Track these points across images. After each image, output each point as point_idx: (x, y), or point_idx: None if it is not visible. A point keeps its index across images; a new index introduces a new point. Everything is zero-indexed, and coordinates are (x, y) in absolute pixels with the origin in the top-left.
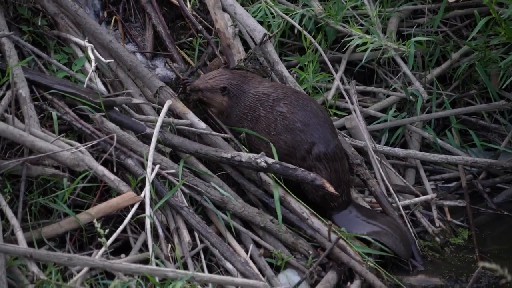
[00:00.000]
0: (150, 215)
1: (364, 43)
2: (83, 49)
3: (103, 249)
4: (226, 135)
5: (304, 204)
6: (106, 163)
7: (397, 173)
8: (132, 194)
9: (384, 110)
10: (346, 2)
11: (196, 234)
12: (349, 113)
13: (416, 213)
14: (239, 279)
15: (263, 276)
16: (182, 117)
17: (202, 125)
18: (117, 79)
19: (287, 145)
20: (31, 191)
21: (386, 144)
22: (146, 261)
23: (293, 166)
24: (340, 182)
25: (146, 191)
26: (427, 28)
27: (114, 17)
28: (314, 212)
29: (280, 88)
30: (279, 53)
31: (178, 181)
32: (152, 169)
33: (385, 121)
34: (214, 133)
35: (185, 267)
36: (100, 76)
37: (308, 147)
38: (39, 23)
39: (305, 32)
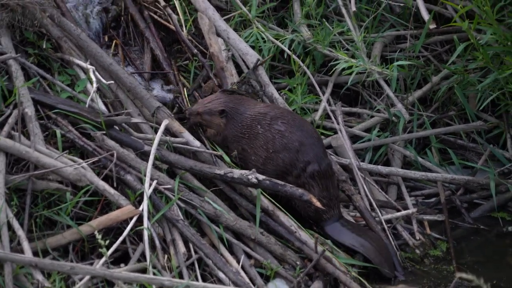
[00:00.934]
0: (148, 227)
1: (350, 67)
2: (85, 71)
3: (103, 259)
4: (217, 152)
5: (292, 218)
6: (106, 179)
7: (380, 189)
8: (131, 207)
9: (368, 130)
10: (333, 28)
11: (191, 245)
12: (335, 132)
13: (397, 226)
14: None
15: (254, 285)
16: (178, 136)
17: (197, 143)
18: (117, 99)
19: (285, 163)
20: (36, 204)
21: (370, 162)
22: (144, 271)
23: (282, 183)
24: (331, 197)
25: (144, 205)
26: (409, 53)
27: (114, 41)
28: (301, 226)
29: (276, 108)
30: (269, 76)
31: (174, 195)
32: (150, 184)
33: (369, 140)
34: (208, 151)
35: (181, 276)
36: (101, 96)
37: (304, 165)
38: (44, 46)
39: (294, 56)
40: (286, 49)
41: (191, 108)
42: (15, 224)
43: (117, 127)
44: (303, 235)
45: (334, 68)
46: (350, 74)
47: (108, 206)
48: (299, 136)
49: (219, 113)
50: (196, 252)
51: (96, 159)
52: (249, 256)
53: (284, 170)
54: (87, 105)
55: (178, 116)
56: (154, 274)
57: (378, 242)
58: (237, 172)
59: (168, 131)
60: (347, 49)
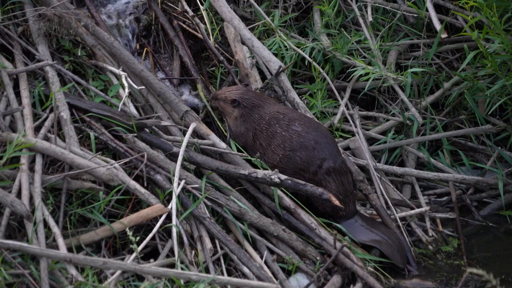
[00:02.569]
0: (176, 224)
1: (367, 73)
2: (118, 77)
3: (134, 255)
4: (242, 154)
5: (313, 215)
6: (137, 178)
7: (395, 189)
8: (160, 206)
9: (384, 133)
10: (351, 37)
11: (217, 241)
12: (353, 135)
13: (411, 224)
14: (255, 282)
15: (276, 279)
16: (205, 138)
17: (223, 145)
18: (147, 103)
19: (302, 161)
20: (71, 203)
21: (386, 162)
22: (172, 266)
23: (303, 182)
24: (347, 193)
25: (173, 203)
26: (422, 60)
27: (145, 49)
28: (322, 223)
29: (293, 110)
30: (291, 82)
31: (201, 194)
32: (178, 184)
33: (385, 142)
34: (233, 152)
35: (207, 271)
36: (132, 101)
37: (320, 162)
38: (79, 54)
39: (314, 63)
40: (307, 56)
41: (214, 92)
42: (51, 222)
43: (147, 130)
44: (323, 231)
45: (352, 75)
46: (367, 80)
47: (138, 204)
48: (315, 135)
49: (231, 102)
50: (221, 248)
51: (127, 160)
52: (271, 252)
53: (302, 167)
54: (119, 109)
55: (205, 120)
56: (182, 269)
57: (391, 236)
58: (260, 172)
59: (195, 134)
60: (364, 57)
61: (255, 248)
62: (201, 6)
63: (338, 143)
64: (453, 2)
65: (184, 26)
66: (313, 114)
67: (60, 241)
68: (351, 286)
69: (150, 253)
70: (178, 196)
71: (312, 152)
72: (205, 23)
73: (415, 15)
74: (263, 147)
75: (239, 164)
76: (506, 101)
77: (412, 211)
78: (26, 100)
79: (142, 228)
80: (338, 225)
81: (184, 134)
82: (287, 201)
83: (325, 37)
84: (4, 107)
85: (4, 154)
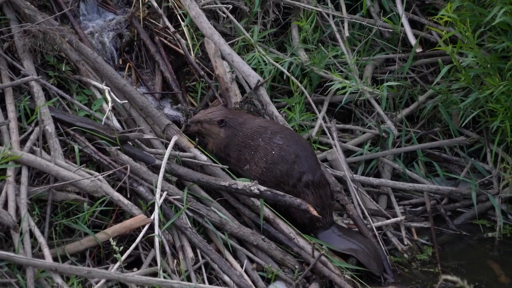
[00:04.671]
0: (159, 234)
1: (344, 87)
2: (101, 92)
3: (118, 264)
4: (223, 166)
5: (291, 225)
6: (120, 190)
7: (371, 199)
8: (143, 216)
9: (361, 145)
10: (328, 52)
11: (198, 251)
12: (330, 147)
13: (387, 233)
14: None
15: (256, 287)
16: (187, 151)
17: (204, 157)
18: (130, 117)
19: (282, 173)
20: (56, 214)
21: (362, 174)
22: (155, 274)
23: (282, 193)
24: (324, 205)
25: (155, 214)
26: (397, 74)
27: (128, 64)
28: (300, 233)
29: (275, 123)
30: (270, 96)
31: (183, 205)
32: (161, 195)
33: (361, 154)
34: (214, 164)
35: (189, 279)
36: (116, 115)
37: (299, 176)
38: (63, 69)
39: (292, 78)
40: (285, 71)
41: (194, 117)
42: (37, 232)
43: (130, 143)
44: (301, 241)
45: (329, 89)
46: (344, 94)
47: (122, 215)
48: (295, 149)
49: (218, 122)
50: (203, 257)
51: (111, 172)
52: (251, 261)
53: (281, 180)
54: (103, 123)
55: (186, 133)
56: (164, 277)
57: (367, 245)
58: (240, 184)
59: (177, 146)
60: (341, 71)
61: (236, 257)
62: (182, 22)
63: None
64: (427, 17)
65: (166, 42)
66: (292, 127)
67: (46, 251)
68: None
69: (134, 262)
70: (161, 207)
71: (292, 165)
72: (186, 39)
73: (390, 30)
74: (248, 161)
75: (219, 176)
76: (479, 114)
77: (388, 221)
78: (12, 114)
79: (126, 238)
80: (314, 237)
81: (166, 147)
82: (267, 211)
83: (303, 52)
84: None
85: None
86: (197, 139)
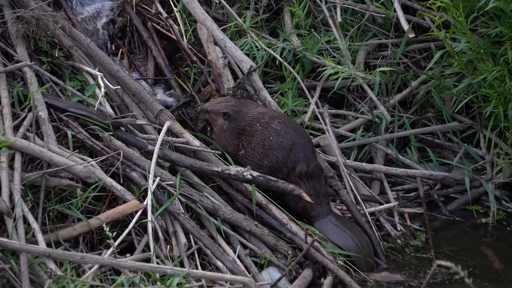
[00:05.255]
0: (152, 220)
1: (336, 73)
2: (94, 77)
3: (111, 249)
4: (216, 152)
5: (284, 211)
6: (113, 176)
7: (364, 185)
8: (136, 202)
9: (353, 130)
10: (320, 37)
11: (191, 236)
12: (323, 133)
13: (380, 218)
14: (228, 276)
15: (249, 272)
16: (179, 136)
17: (197, 143)
18: (123, 103)
19: (277, 161)
20: (49, 199)
21: (355, 159)
22: (148, 260)
23: (275, 179)
24: (319, 194)
25: (148, 200)
26: (390, 60)
27: (120, 50)
28: (293, 218)
29: (274, 110)
30: (262, 81)
31: (175, 191)
32: (153, 181)
33: (354, 139)
34: (206, 149)
35: (182, 265)
36: (108, 100)
37: (293, 165)
38: (56, 55)
39: (285, 63)
40: (278, 56)
41: (203, 105)
42: (30, 218)
43: (123, 129)
44: (294, 226)
45: (322, 74)
46: (337, 79)
47: (115, 201)
48: (293, 136)
49: (222, 114)
50: (196, 243)
51: (104, 157)
52: (244, 246)
53: (277, 167)
54: (95, 108)
55: (178, 118)
56: (157, 263)
57: (361, 239)
58: (233, 169)
59: (170, 132)
60: (334, 57)
61: (228, 242)
62: (174, 8)
63: None
64: (420, 2)
65: (158, 27)
66: (284, 112)
67: (39, 237)
68: (322, 279)
69: (127, 248)
70: (153, 193)
71: (288, 153)
72: (178, 25)
73: (383, 15)
74: (244, 146)
75: (212, 162)
76: (472, 99)
77: (381, 206)
78: (5, 100)
79: (119, 224)
80: (311, 225)
81: (159, 133)
82: (259, 197)
83: (295, 38)
84: None
85: None
86: (208, 128)
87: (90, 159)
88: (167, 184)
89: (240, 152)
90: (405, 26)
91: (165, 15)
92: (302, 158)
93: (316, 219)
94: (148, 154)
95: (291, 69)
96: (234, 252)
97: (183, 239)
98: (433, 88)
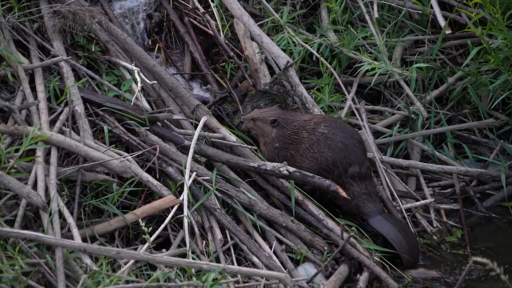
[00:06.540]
0: (188, 215)
1: (373, 69)
2: (131, 72)
3: (147, 245)
4: (252, 146)
5: (321, 207)
6: (150, 171)
7: (400, 181)
8: (172, 197)
9: (390, 126)
10: (357, 33)
11: (227, 232)
12: (360, 128)
13: (416, 215)
14: (264, 271)
15: (285, 268)
16: (216, 131)
17: (233, 138)
18: (159, 98)
19: (328, 162)
20: (85, 194)
21: (391, 155)
22: (184, 255)
23: (311, 174)
24: (371, 194)
25: (184, 195)
26: (427, 56)
27: (157, 45)
28: (330, 214)
29: (319, 115)
30: (299, 77)
31: (212, 186)
32: (190, 176)
33: (390, 135)
34: (243, 145)
35: (218, 260)
36: (145, 95)
37: (345, 167)
38: (93, 49)
39: (322, 59)
40: (314, 52)
41: (245, 114)
42: (66, 213)
43: (159, 123)
44: (330, 222)
45: (359, 70)
46: (373, 75)
47: (151, 196)
48: (342, 137)
49: (271, 122)
50: (232, 238)
51: (140, 152)
52: (280, 242)
53: (327, 169)
54: (132, 103)
55: (215, 114)
56: (193, 258)
57: (411, 236)
58: (269, 165)
59: (206, 127)
60: (370, 53)
61: (264, 238)
62: (211, 3)
63: None
64: None
65: (195, 22)
66: (321, 108)
67: (75, 231)
68: (358, 275)
69: (162, 243)
70: (190, 188)
71: (339, 154)
72: (215, 20)
73: (420, 11)
74: (292, 156)
75: (248, 157)
76: (509, 96)
77: (417, 203)
78: (41, 94)
79: (155, 219)
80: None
81: (195, 128)
82: (296, 193)
83: (332, 33)
84: (20, 101)
85: (21, 147)
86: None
87: (126, 154)
88: (203, 179)
89: (283, 163)
90: (442, 22)
91: (202, 10)
92: (354, 160)
93: (370, 216)
94: (184, 149)
95: (328, 64)
96: (270, 247)
97: (219, 234)
98: (470, 84)
